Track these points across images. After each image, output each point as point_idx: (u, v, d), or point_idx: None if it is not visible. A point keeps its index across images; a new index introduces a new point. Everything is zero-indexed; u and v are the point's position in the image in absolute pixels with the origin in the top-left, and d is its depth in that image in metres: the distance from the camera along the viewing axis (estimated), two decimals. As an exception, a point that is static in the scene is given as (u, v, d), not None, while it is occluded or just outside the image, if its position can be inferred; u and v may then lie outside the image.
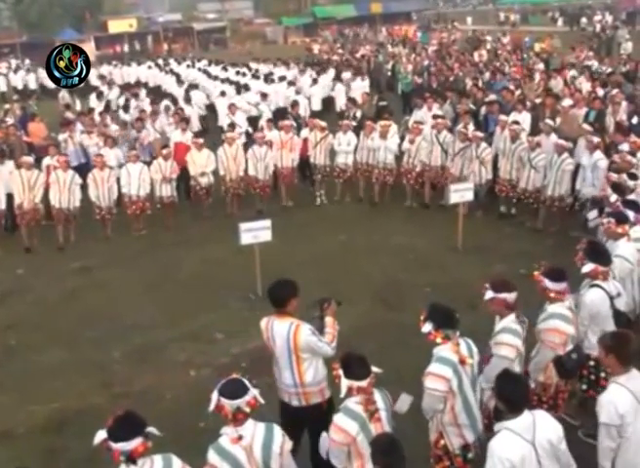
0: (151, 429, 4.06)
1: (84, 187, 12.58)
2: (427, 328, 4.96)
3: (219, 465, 4.23)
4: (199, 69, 28.26)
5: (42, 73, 32.75)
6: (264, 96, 18.90)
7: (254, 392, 4.28)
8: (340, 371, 4.57)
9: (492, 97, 15.74)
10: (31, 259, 11.84)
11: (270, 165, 13.34)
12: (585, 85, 17.34)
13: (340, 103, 19.62)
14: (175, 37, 53.56)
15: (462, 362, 4.90)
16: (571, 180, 11.28)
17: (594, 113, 13.11)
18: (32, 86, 32.29)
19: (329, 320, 5.49)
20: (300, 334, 5.29)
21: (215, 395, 4.28)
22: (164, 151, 12.97)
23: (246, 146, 13.86)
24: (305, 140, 13.99)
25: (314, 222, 12.74)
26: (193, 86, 22.39)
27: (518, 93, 16.15)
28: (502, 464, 4.14)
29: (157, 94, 24.13)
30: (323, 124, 14.05)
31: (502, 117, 12.74)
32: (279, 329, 5.40)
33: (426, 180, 13.23)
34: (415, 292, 9.29)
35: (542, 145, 11.55)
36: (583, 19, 45.05)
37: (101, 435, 3.97)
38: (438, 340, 4.95)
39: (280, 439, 4.33)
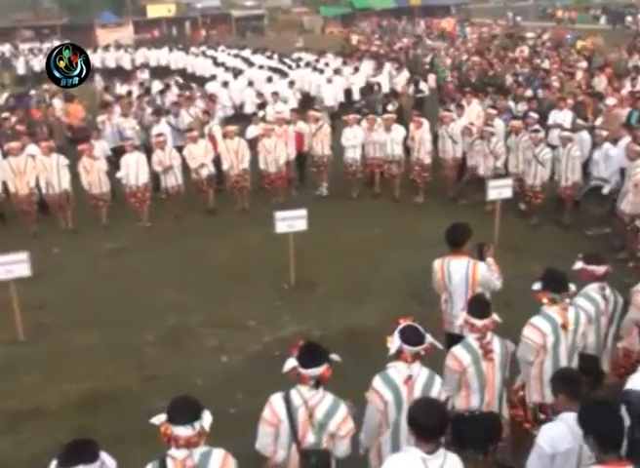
0: (334, 356, 4.40)
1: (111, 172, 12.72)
2: (537, 286, 5.43)
3: (382, 391, 4.60)
4: (235, 56, 28.26)
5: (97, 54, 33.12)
6: (291, 83, 18.88)
7: (430, 339, 4.66)
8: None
9: (531, 93, 15.54)
10: (67, 240, 11.97)
11: (282, 157, 13.04)
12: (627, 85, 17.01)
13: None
14: (212, 23, 53.64)
15: (564, 326, 5.26)
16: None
17: (638, 114, 12.86)
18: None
19: (490, 260, 6.30)
20: (478, 271, 6.16)
21: (397, 339, 4.59)
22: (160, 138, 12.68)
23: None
24: (300, 134, 13.80)
25: (346, 214, 12.64)
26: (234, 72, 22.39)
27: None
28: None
29: (194, 80, 24.17)
30: (318, 115, 13.96)
31: (515, 123, 12.46)
32: (457, 266, 6.21)
33: (448, 175, 13.12)
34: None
35: (575, 142, 11.41)
36: (629, 18, 44.23)
37: (291, 363, 4.34)
38: (544, 300, 5.36)
39: (438, 388, 4.66)
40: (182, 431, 3.78)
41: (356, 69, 22.52)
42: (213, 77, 21.59)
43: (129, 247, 11.59)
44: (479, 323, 5.05)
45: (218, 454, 3.91)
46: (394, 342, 4.61)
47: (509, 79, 18.76)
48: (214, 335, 8.46)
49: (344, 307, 8.99)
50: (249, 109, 18.50)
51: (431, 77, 22.62)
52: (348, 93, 21.00)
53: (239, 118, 18.06)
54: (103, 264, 10.95)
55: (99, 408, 7.06)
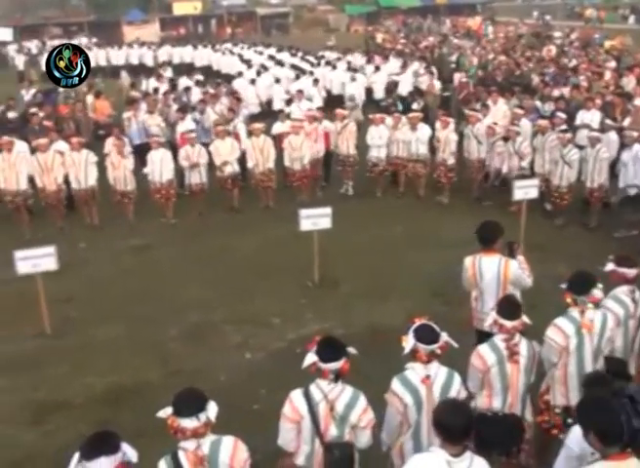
0: (351, 349, 4.46)
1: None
2: (564, 285, 5.44)
3: (400, 394, 4.59)
4: (260, 53, 28.34)
5: (109, 52, 33.42)
6: (316, 81, 18.88)
7: (445, 337, 4.66)
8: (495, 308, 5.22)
9: (558, 93, 15.39)
10: (93, 235, 12.09)
11: (307, 155, 13.01)
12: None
13: (404, 92, 19.39)
14: (238, 21, 53.81)
15: (583, 327, 5.24)
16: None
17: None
18: (102, 62, 32.82)
19: (521, 258, 6.40)
20: (510, 268, 6.23)
21: (411, 338, 4.61)
22: (191, 135, 12.81)
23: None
24: (326, 132, 13.76)
25: (370, 212, 12.63)
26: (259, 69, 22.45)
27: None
28: None
29: (219, 77, 24.27)
30: (345, 112, 13.91)
31: (542, 122, 12.36)
32: (488, 264, 6.27)
33: (473, 175, 13.03)
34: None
35: (603, 142, 11.28)
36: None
37: (311, 358, 4.41)
38: (568, 300, 5.36)
39: (458, 386, 4.67)
40: (189, 423, 3.87)
41: (377, 68, 22.46)
42: (239, 74, 21.67)
43: (153, 243, 11.68)
44: (508, 324, 5.03)
45: (228, 441, 4.00)
46: (408, 341, 4.62)
47: (536, 79, 18.60)
48: (237, 332, 8.50)
49: (367, 305, 8.99)
50: (277, 106, 18.51)
51: (457, 76, 22.49)
52: (370, 91, 20.98)
53: (265, 115, 18.11)
54: (128, 260, 11.05)
55: (122, 401, 7.13)
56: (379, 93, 20.75)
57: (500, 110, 14.10)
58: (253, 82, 20.08)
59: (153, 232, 12.15)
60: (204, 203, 12.93)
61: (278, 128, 14.04)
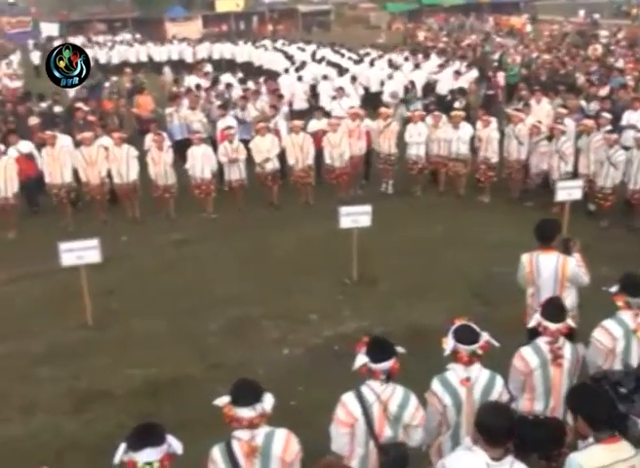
0: (399, 348, 4.46)
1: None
2: (614, 289, 5.40)
3: (440, 394, 4.58)
4: (302, 50, 28.38)
5: (151, 48, 33.80)
6: (353, 78, 18.82)
7: (486, 337, 4.63)
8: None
9: (604, 92, 15.14)
10: (135, 229, 12.26)
11: (347, 151, 12.99)
12: None
13: (444, 91, 19.23)
14: (279, 18, 53.99)
15: (636, 332, 5.16)
16: None
17: None
18: (144, 58, 33.25)
19: (577, 255, 6.40)
20: (568, 266, 6.25)
21: (451, 339, 4.57)
22: (230, 131, 12.86)
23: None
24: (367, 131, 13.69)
25: (410, 211, 12.58)
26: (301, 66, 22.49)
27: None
28: None
29: (260, 73, 24.39)
30: (389, 111, 13.85)
31: (587, 122, 12.15)
32: (546, 261, 6.30)
33: (513, 176, 12.87)
34: (513, 289, 8.97)
35: None
36: None
37: (361, 359, 4.38)
38: (619, 304, 5.28)
39: (500, 389, 4.62)
40: (245, 412, 3.92)
41: (417, 66, 22.30)
42: (286, 71, 21.69)
43: (193, 237, 11.79)
44: (552, 326, 4.96)
45: (281, 434, 4.05)
46: (448, 343, 4.60)
47: (581, 78, 18.31)
48: (275, 327, 8.54)
49: (406, 304, 8.95)
50: (324, 102, 18.44)
51: (500, 75, 22.24)
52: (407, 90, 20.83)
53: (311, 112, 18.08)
54: (169, 254, 11.18)
55: (162, 394, 7.22)
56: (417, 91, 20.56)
57: (543, 110, 13.89)
58: (300, 78, 20.08)
59: (193, 227, 12.26)
60: (243, 199, 13.01)
61: (314, 125, 14.03)
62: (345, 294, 9.34)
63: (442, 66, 21.96)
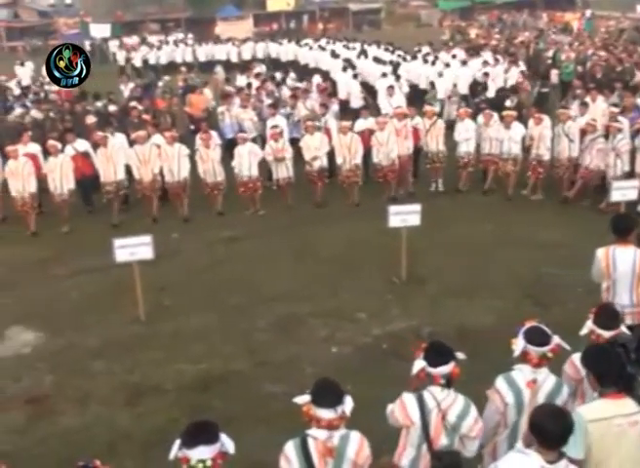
0: (459, 354, 4.43)
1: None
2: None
3: (503, 392, 4.52)
4: (349, 48, 28.28)
5: (198, 49, 34.12)
6: (398, 77, 18.70)
7: (557, 340, 4.55)
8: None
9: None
10: (185, 226, 12.46)
11: (394, 149, 12.89)
12: None
13: (492, 89, 18.94)
14: (330, 17, 53.99)
15: None
16: None
17: None
18: (189, 58, 33.55)
19: None
20: None
21: (521, 340, 4.53)
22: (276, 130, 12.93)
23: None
24: (416, 129, 13.56)
25: (458, 210, 12.50)
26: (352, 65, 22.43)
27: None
28: None
29: (307, 72, 24.42)
30: (435, 110, 13.70)
31: None
32: (623, 255, 6.29)
33: (563, 174, 12.62)
34: (565, 290, 8.88)
35: None
36: None
37: (420, 363, 4.35)
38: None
39: (565, 397, 4.54)
40: (326, 413, 3.92)
41: (464, 63, 22.00)
42: (344, 69, 21.63)
43: (242, 234, 11.91)
44: (606, 334, 4.82)
45: (355, 437, 4.03)
46: (518, 344, 4.52)
47: (638, 75, 17.85)
48: (323, 325, 8.56)
49: (455, 304, 8.88)
50: (381, 100, 18.27)
51: (554, 72, 21.83)
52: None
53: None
54: (219, 250, 11.32)
55: (211, 389, 7.32)
56: (464, 89, 20.33)
57: (598, 108, 13.59)
58: (355, 76, 20.03)
59: (242, 224, 12.39)
60: (291, 196, 13.10)
61: (361, 124, 13.99)
62: (394, 294, 9.31)
63: (484, 64, 21.31)
